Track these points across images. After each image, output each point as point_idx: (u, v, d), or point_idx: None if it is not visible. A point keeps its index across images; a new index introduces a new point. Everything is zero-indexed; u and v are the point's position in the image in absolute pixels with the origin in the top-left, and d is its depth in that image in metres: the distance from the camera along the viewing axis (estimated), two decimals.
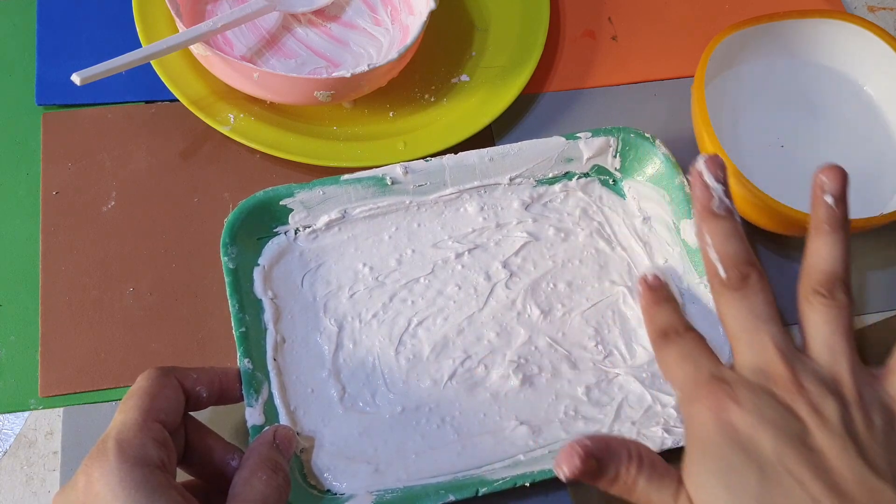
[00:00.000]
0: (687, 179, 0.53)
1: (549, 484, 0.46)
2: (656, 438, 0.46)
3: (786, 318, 0.54)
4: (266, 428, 0.43)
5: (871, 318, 0.55)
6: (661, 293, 0.46)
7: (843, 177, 0.42)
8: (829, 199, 0.41)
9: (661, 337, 0.43)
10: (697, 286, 0.51)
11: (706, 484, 0.37)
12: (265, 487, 0.39)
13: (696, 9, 0.65)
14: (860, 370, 0.40)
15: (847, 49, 0.57)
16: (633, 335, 0.51)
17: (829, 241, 0.41)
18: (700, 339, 0.42)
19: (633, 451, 0.39)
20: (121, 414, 0.39)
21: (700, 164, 0.42)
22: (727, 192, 0.42)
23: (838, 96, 0.58)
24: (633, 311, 0.51)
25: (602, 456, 0.39)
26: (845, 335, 0.40)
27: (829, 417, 0.37)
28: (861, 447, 0.37)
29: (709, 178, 0.42)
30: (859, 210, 0.53)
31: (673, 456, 0.45)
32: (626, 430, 0.47)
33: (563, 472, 0.38)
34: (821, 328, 0.40)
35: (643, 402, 0.48)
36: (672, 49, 0.63)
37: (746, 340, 0.40)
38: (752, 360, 0.40)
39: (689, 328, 0.43)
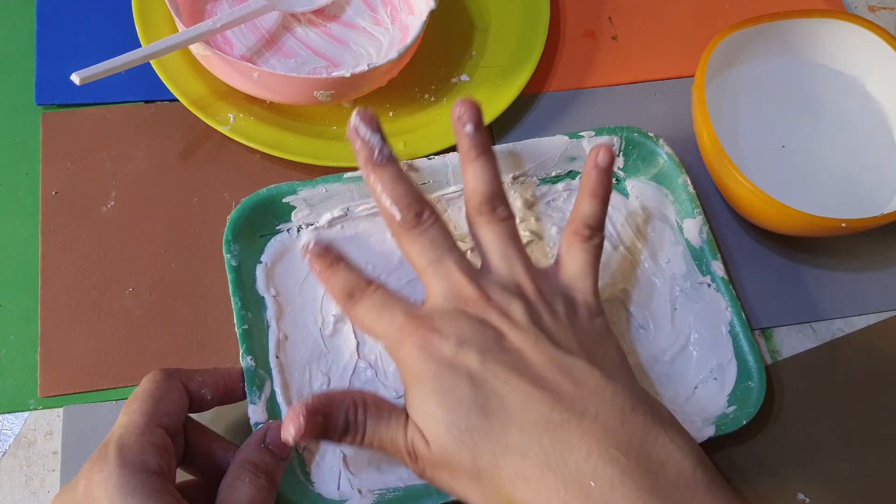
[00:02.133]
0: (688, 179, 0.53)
1: None
2: None
3: (790, 318, 0.54)
4: (259, 426, 0.43)
5: (871, 318, 0.55)
6: (329, 256, 0.45)
7: (475, 106, 0.45)
8: (468, 129, 0.45)
9: (348, 298, 0.43)
10: (700, 286, 0.51)
11: (426, 407, 0.39)
12: (248, 489, 0.39)
13: (696, 9, 0.65)
14: (535, 270, 0.44)
15: (847, 49, 0.57)
16: (634, 335, 0.51)
17: (478, 166, 0.45)
18: (385, 289, 0.43)
19: (358, 398, 0.40)
20: (123, 417, 0.39)
21: (355, 121, 0.44)
22: (384, 140, 0.44)
23: (838, 96, 0.58)
24: (635, 310, 0.51)
25: (327, 410, 0.39)
26: (514, 243, 0.44)
27: (517, 318, 0.41)
28: (551, 336, 0.41)
29: (364, 132, 0.44)
30: (859, 210, 0.53)
31: None
32: None
33: (290, 434, 0.38)
34: (493, 243, 0.44)
35: None
36: (672, 49, 0.63)
37: (433, 272, 0.42)
38: (442, 288, 0.42)
39: (370, 282, 0.43)
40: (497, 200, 0.44)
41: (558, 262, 0.45)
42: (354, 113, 0.44)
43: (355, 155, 0.44)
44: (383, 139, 0.44)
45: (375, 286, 0.43)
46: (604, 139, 0.53)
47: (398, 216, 0.43)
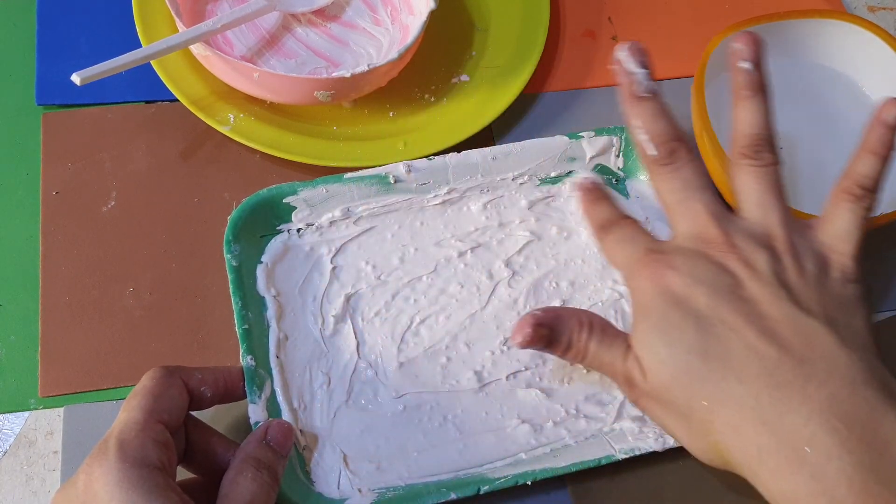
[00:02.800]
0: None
1: (551, 483, 0.46)
2: (659, 437, 0.46)
3: None
4: (260, 424, 0.43)
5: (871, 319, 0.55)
6: (596, 192, 0.46)
7: (757, 42, 0.43)
8: (745, 65, 0.43)
9: (602, 229, 0.44)
10: None
11: (648, 340, 0.40)
12: (250, 485, 0.39)
13: (696, 9, 0.65)
14: (792, 222, 0.42)
15: (847, 49, 0.57)
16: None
17: (750, 106, 0.43)
18: (636, 223, 0.44)
19: (585, 319, 0.41)
20: (124, 413, 0.39)
21: (621, 54, 0.43)
22: (650, 76, 0.43)
23: (838, 96, 0.58)
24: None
25: (554, 324, 0.40)
26: (775, 191, 0.42)
27: (760, 269, 0.40)
28: (792, 292, 0.39)
29: (630, 65, 0.43)
30: None
31: (678, 455, 0.45)
32: (627, 429, 0.47)
33: (517, 340, 0.40)
34: (751, 187, 0.42)
35: None
36: (672, 49, 0.63)
37: (681, 211, 0.42)
38: (687, 227, 0.42)
39: (625, 216, 0.44)
40: (764, 144, 0.43)
41: (822, 218, 0.43)
42: (619, 47, 0.43)
43: (619, 86, 0.44)
44: (649, 74, 0.43)
45: (629, 221, 0.43)
46: (603, 139, 0.53)
47: (652, 151, 0.42)
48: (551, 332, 0.41)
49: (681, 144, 0.43)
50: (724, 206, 0.42)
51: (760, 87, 0.43)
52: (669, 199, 0.43)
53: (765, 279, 0.39)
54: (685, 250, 0.41)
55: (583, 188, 0.46)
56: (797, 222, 0.42)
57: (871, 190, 0.43)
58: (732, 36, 0.43)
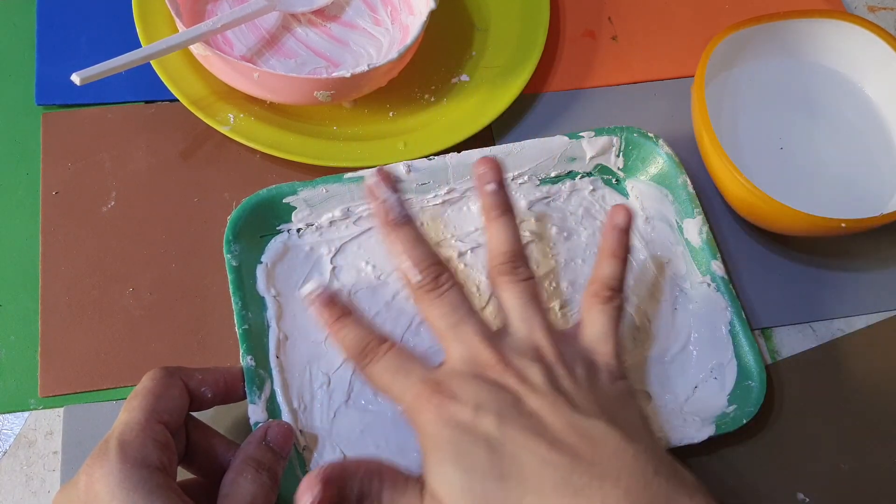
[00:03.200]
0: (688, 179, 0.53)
1: None
2: (658, 437, 0.46)
3: (790, 318, 0.54)
4: (260, 425, 0.43)
5: (871, 318, 0.55)
6: (337, 308, 0.44)
7: (497, 167, 0.46)
8: (490, 187, 0.46)
9: (361, 356, 0.42)
10: (700, 285, 0.51)
11: (443, 472, 0.39)
12: (251, 486, 0.39)
13: (696, 9, 0.65)
14: (554, 333, 0.43)
15: (847, 49, 0.57)
16: (634, 335, 0.51)
17: (500, 225, 0.45)
18: (398, 348, 0.42)
19: (374, 469, 0.40)
20: (125, 414, 0.39)
21: (371, 181, 0.44)
22: (401, 201, 0.44)
23: (838, 96, 0.58)
24: (635, 310, 0.51)
25: (341, 480, 0.39)
26: (535, 304, 0.44)
27: (535, 382, 0.40)
28: (569, 398, 0.40)
29: (382, 192, 0.44)
30: (859, 210, 0.53)
31: (676, 455, 0.45)
32: None
33: (307, 501, 0.38)
34: (513, 303, 0.44)
35: (644, 400, 0.48)
36: (672, 49, 0.63)
37: (452, 336, 0.42)
38: (461, 352, 0.42)
39: (383, 339, 0.42)
40: (518, 260, 0.44)
41: (579, 324, 0.45)
42: (372, 173, 0.44)
43: (373, 213, 0.45)
44: (400, 199, 0.44)
45: (389, 344, 0.42)
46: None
47: (418, 278, 0.43)
48: (340, 489, 0.39)
49: (442, 268, 0.43)
50: (489, 328, 0.43)
51: (508, 208, 0.46)
52: (439, 324, 0.43)
53: (542, 391, 0.40)
54: (463, 375, 0.41)
55: (320, 302, 0.43)
56: (559, 332, 0.44)
57: (618, 289, 0.45)
58: (480, 158, 0.46)
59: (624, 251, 0.46)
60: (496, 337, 0.42)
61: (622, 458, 0.38)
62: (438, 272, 0.43)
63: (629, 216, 0.46)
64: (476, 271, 0.51)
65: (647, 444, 0.40)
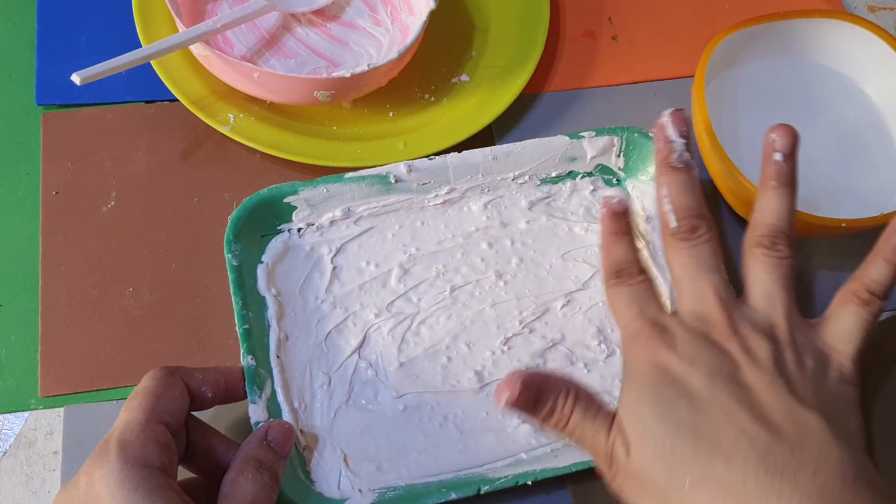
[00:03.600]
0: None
1: (551, 483, 0.46)
2: None
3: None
4: (260, 424, 0.43)
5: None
6: (622, 223, 0.45)
7: (793, 135, 0.44)
8: (778, 157, 0.44)
9: (615, 275, 0.43)
10: None
11: (638, 410, 0.39)
12: (251, 486, 0.39)
13: (696, 9, 0.65)
14: (796, 317, 0.42)
15: (847, 49, 0.57)
16: None
17: (775, 196, 0.43)
18: (649, 283, 0.43)
19: (572, 387, 0.40)
20: (125, 414, 0.39)
21: (665, 119, 0.44)
22: (688, 146, 0.44)
23: (838, 96, 0.58)
24: None
25: (541, 387, 0.39)
26: (784, 284, 0.42)
27: (760, 357, 0.39)
28: (790, 382, 0.39)
29: (671, 132, 0.44)
30: (859, 210, 0.53)
31: None
32: None
33: (503, 399, 0.39)
34: (761, 276, 0.42)
35: None
36: (672, 49, 0.63)
37: (689, 287, 0.42)
38: (692, 306, 0.41)
39: (642, 270, 0.43)
40: (782, 237, 0.42)
41: (827, 317, 0.43)
42: (666, 112, 0.44)
43: (655, 150, 0.45)
44: (688, 144, 0.44)
45: (643, 277, 0.43)
46: (604, 139, 0.53)
47: (673, 224, 0.43)
48: (537, 395, 0.39)
49: (703, 221, 0.43)
50: (731, 291, 0.42)
51: (789, 181, 0.43)
52: (680, 273, 0.42)
53: (764, 367, 0.39)
54: (688, 328, 0.40)
55: (612, 211, 0.45)
56: (802, 319, 0.42)
57: (880, 296, 0.42)
58: (778, 125, 0.44)
59: None
60: (732, 302, 0.41)
61: (825, 455, 0.36)
62: (696, 224, 0.42)
63: None
64: (477, 271, 0.51)
65: (856, 451, 0.38)
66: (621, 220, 0.45)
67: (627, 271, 0.43)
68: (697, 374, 0.38)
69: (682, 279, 0.42)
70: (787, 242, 0.42)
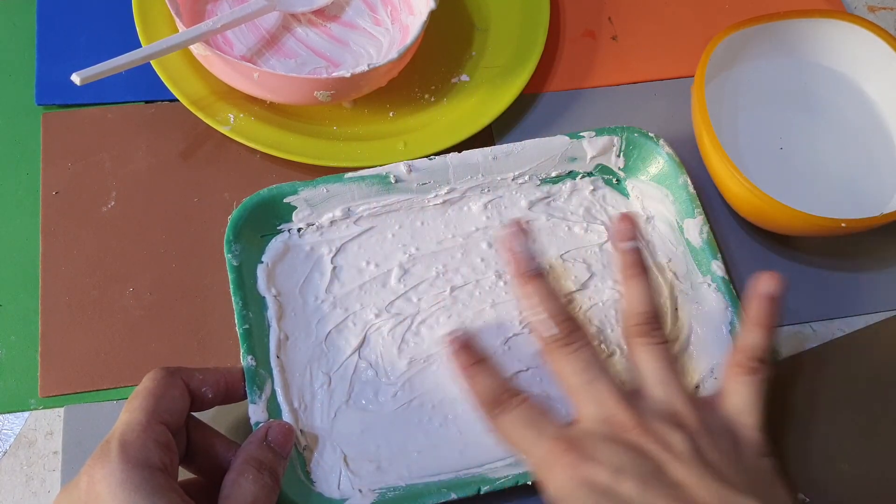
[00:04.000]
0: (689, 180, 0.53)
1: None
2: None
3: (790, 318, 0.54)
4: (260, 425, 0.43)
5: (871, 318, 0.55)
6: (473, 354, 0.44)
7: (633, 222, 0.46)
8: (628, 245, 0.46)
9: (493, 405, 0.42)
10: (700, 286, 0.51)
11: None
12: (252, 486, 0.39)
13: (696, 9, 0.65)
14: (694, 399, 0.43)
15: (847, 49, 0.57)
16: None
17: (637, 284, 0.45)
18: (531, 402, 0.42)
19: None
20: (125, 414, 0.39)
21: (505, 232, 0.45)
22: (534, 253, 0.44)
23: (838, 96, 0.58)
24: None
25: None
26: (672, 367, 0.43)
27: (679, 450, 0.39)
28: (716, 470, 0.39)
29: (516, 244, 0.44)
30: (859, 210, 0.53)
31: None
32: None
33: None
34: (650, 365, 0.43)
35: None
36: (672, 49, 0.63)
37: (585, 393, 0.42)
38: (595, 411, 0.41)
39: (517, 392, 0.42)
40: (655, 322, 0.44)
41: (721, 393, 0.44)
42: (507, 225, 0.45)
43: (506, 262, 0.45)
44: (533, 252, 0.44)
45: (522, 397, 0.42)
46: (604, 139, 0.53)
47: (554, 331, 0.42)
48: None
49: (576, 325, 0.43)
50: (623, 389, 0.42)
51: (643, 267, 0.46)
52: (573, 381, 0.42)
53: (686, 460, 0.39)
54: (597, 436, 0.40)
55: (456, 345, 0.44)
56: (698, 399, 0.43)
57: (765, 361, 0.44)
58: (621, 214, 0.47)
59: (773, 321, 0.44)
60: (632, 398, 0.42)
61: None
62: (573, 328, 0.43)
63: (780, 285, 0.44)
64: (477, 271, 0.51)
65: None
66: (472, 350, 0.44)
67: (503, 397, 0.42)
68: (627, 481, 0.38)
69: (576, 386, 0.42)
70: (659, 325, 0.44)
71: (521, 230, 0.45)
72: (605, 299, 0.51)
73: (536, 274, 0.44)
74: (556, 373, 0.43)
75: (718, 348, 0.49)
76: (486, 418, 0.43)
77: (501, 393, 0.42)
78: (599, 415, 0.41)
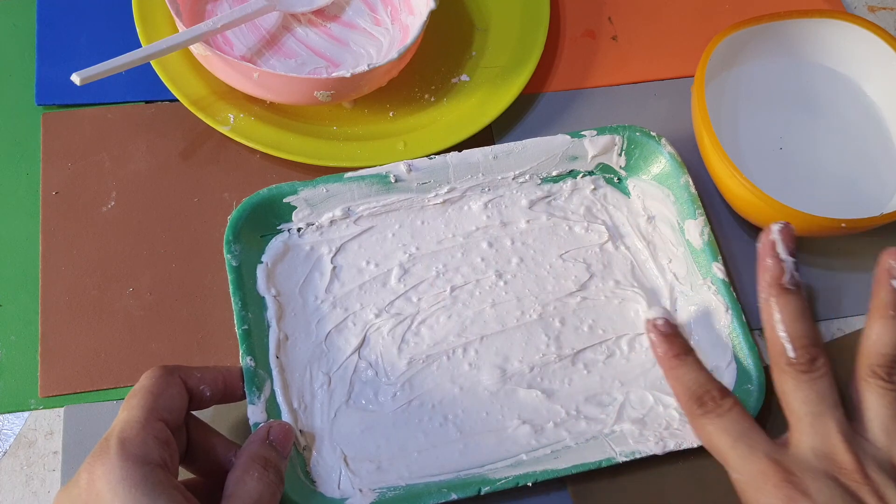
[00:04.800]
0: (692, 186, 0.53)
1: (551, 484, 0.46)
2: (659, 440, 0.46)
3: None
4: (261, 425, 0.43)
5: None
6: (678, 342, 0.43)
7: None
8: (895, 283, 0.42)
9: (697, 403, 0.41)
10: (700, 287, 0.51)
11: None
12: (257, 485, 0.39)
13: (696, 9, 0.65)
14: None
15: (847, 49, 0.57)
16: (635, 336, 0.51)
17: (891, 326, 0.42)
18: (741, 409, 0.41)
19: None
20: (124, 412, 0.39)
21: (775, 234, 0.42)
22: (798, 266, 0.42)
23: (838, 96, 0.58)
24: (637, 311, 0.51)
25: None
26: None
27: None
28: None
29: (782, 250, 0.42)
30: (859, 210, 0.53)
31: (678, 458, 0.45)
32: (627, 431, 0.47)
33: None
34: (879, 411, 0.41)
35: (645, 403, 0.48)
36: (672, 49, 0.63)
37: (810, 423, 0.41)
38: (814, 443, 0.40)
39: (726, 392, 0.41)
40: None
41: None
42: (774, 226, 0.42)
43: (760, 269, 0.43)
44: (797, 264, 0.42)
45: (731, 402, 0.41)
46: (605, 138, 0.53)
47: (791, 355, 0.41)
48: None
49: (820, 352, 0.42)
50: (850, 428, 0.41)
51: None
52: (801, 409, 0.41)
53: None
54: (815, 471, 0.39)
55: (661, 333, 0.44)
56: None
57: None
58: (891, 250, 0.43)
59: None
60: (855, 440, 0.41)
61: None
62: (815, 355, 0.41)
63: None
64: (477, 271, 0.51)
65: None
66: (676, 340, 0.43)
67: (710, 397, 0.41)
68: None
69: (802, 414, 0.41)
70: None
71: (788, 236, 0.42)
72: (605, 297, 0.51)
73: (793, 288, 0.42)
74: (782, 393, 0.42)
75: (718, 351, 0.49)
76: (688, 416, 0.42)
77: (706, 391, 0.41)
78: (820, 449, 0.40)
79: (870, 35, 0.56)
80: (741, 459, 0.40)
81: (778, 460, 0.40)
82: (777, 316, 0.42)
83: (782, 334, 0.42)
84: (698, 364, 0.43)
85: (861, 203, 0.54)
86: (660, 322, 0.44)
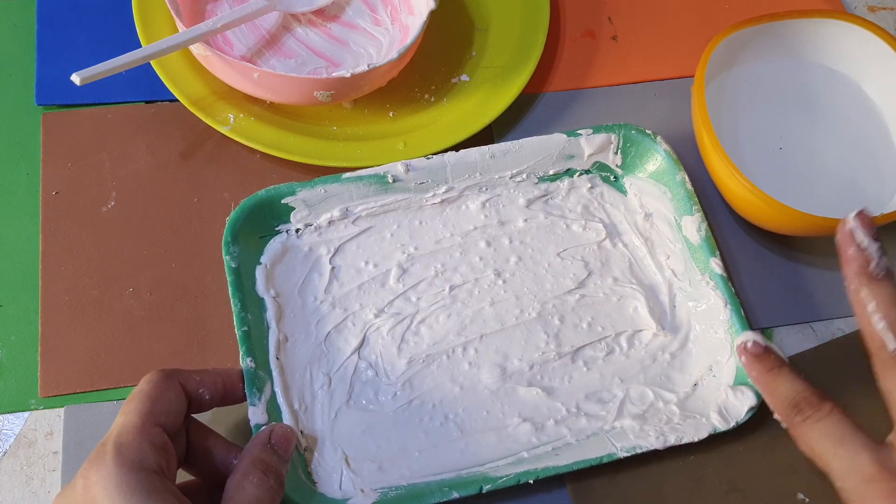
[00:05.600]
0: (687, 180, 0.53)
1: (552, 481, 0.46)
2: (660, 435, 0.46)
3: (790, 318, 0.54)
4: (263, 427, 0.43)
5: None
6: (769, 358, 0.43)
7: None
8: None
9: (795, 411, 0.40)
10: (699, 283, 0.51)
11: None
12: (256, 490, 0.39)
13: (696, 9, 0.65)
14: None
15: (847, 49, 0.57)
16: (634, 332, 0.51)
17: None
18: (841, 412, 0.39)
19: None
20: (121, 417, 0.39)
21: (851, 222, 0.40)
22: (883, 250, 0.40)
23: (838, 96, 0.58)
24: (635, 308, 0.51)
25: None
26: None
27: None
28: None
29: (862, 237, 0.40)
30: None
31: (679, 453, 0.45)
32: (628, 427, 0.47)
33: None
34: None
35: (645, 399, 0.48)
36: (672, 49, 0.63)
37: None
38: None
39: (824, 396, 0.40)
40: None
41: None
42: (851, 215, 0.40)
43: (843, 260, 0.40)
44: (882, 248, 0.39)
45: (831, 406, 0.39)
46: (601, 136, 0.53)
47: (893, 346, 0.38)
48: None
49: None
50: None
51: None
52: None
53: None
54: None
55: (751, 353, 0.43)
56: None
57: None
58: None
59: None
60: None
61: None
62: None
63: None
64: (476, 270, 0.51)
65: None
66: (768, 357, 0.43)
67: (807, 402, 0.40)
68: None
69: None
70: None
71: (867, 221, 0.40)
72: (604, 295, 0.51)
73: (884, 275, 0.39)
74: (886, 387, 0.39)
75: (717, 346, 0.49)
76: (788, 427, 0.41)
77: (804, 398, 0.40)
78: None
79: (870, 35, 0.56)
80: (843, 464, 0.38)
81: (882, 461, 0.38)
82: (871, 307, 0.39)
83: (880, 325, 0.38)
84: (793, 374, 0.41)
85: (861, 203, 0.54)
86: (749, 344, 0.44)
